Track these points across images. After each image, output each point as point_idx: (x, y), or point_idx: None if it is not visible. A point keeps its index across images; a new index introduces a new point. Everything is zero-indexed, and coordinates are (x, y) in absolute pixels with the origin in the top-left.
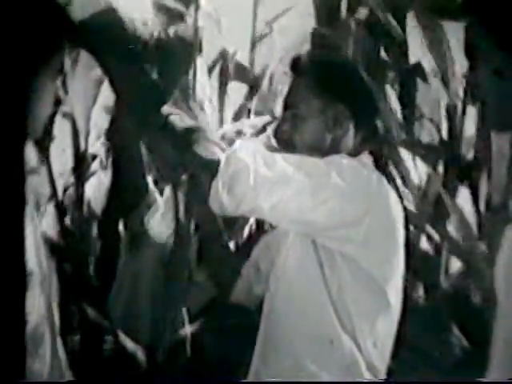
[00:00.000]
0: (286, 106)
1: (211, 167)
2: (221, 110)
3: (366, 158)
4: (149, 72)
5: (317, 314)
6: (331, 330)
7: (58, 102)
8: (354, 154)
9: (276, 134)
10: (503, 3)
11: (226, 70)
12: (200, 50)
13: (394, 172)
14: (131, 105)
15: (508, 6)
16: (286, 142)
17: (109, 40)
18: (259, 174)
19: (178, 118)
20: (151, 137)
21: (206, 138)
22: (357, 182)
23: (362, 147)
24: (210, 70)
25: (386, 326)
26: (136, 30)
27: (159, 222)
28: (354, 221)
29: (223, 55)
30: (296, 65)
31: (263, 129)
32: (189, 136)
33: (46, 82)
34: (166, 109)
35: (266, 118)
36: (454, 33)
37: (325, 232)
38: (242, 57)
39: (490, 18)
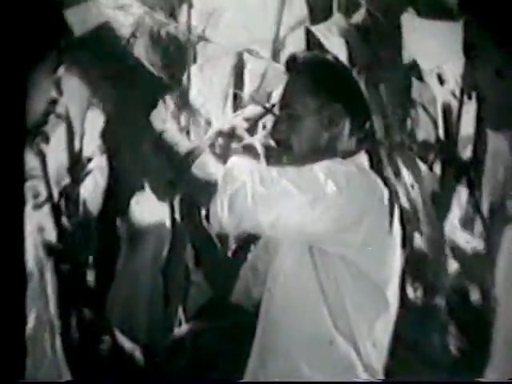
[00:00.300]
0: (281, 106)
1: (208, 187)
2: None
3: (361, 158)
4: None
5: (313, 316)
6: (327, 332)
7: (53, 103)
8: (350, 153)
9: (273, 134)
10: (500, 2)
11: (241, 74)
12: (194, 56)
13: (390, 171)
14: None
15: (505, 5)
16: (282, 142)
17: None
18: (257, 192)
19: (171, 135)
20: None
21: (200, 156)
22: (352, 188)
23: (358, 147)
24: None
25: (385, 326)
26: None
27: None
28: (353, 226)
29: (239, 56)
30: (291, 64)
31: (259, 120)
32: (183, 155)
33: (41, 80)
34: (158, 125)
35: (258, 110)
36: (452, 31)
37: (324, 240)
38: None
39: (487, 16)
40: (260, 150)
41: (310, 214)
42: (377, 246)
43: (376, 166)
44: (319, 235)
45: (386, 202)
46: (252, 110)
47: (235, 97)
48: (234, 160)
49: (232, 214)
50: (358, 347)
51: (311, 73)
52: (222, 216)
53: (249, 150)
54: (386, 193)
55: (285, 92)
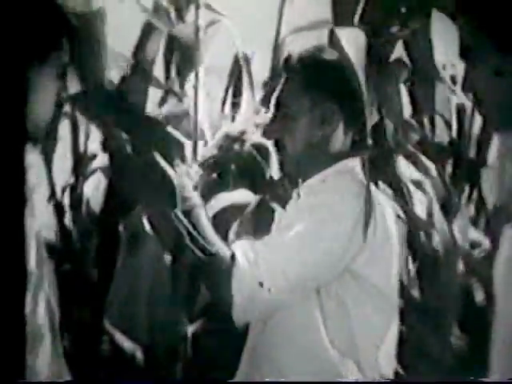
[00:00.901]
0: (277, 106)
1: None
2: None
3: (353, 162)
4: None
5: (308, 328)
6: (322, 349)
7: (60, 104)
8: (344, 155)
9: (266, 134)
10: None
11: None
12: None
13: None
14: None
15: (504, 5)
16: (276, 142)
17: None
18: (270, 278)
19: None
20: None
21: (203, 219)
22: (355, 220)
23: (352, 150)
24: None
25: (394, 331)
26: None
27: None
28: (361, 248)
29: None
30: (287, 64)
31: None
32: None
33: (45, 83)
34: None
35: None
36: (449, 31)
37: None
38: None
39: (486, 16)
40: (273, 151)
41: (321, 270)
42: (383, 257)
43: (370, 170)
44: (331, 275)
45: (382, 211)
46: (264, 116)
47: (233, 105)
48: (235, 247)
49: (254, 311)
50: (359, 359)
51: (305, 71)
52: (246, 315)
53: (260, 150)
54: (379, 197)
55: (280, 91)
